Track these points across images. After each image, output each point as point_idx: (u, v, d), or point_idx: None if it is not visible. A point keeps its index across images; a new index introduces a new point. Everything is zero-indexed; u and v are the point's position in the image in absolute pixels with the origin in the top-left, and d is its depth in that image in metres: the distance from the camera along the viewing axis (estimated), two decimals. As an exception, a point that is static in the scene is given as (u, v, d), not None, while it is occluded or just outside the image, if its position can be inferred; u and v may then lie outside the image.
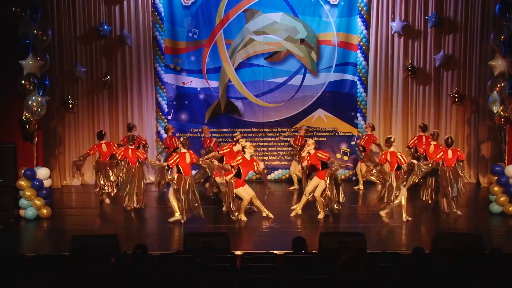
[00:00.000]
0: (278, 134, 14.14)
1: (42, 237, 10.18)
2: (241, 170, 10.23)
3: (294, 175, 13.26)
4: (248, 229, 10.17)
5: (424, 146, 11.39)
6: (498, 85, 11.53)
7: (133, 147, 11.23)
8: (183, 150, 10.28)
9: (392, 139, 10.45)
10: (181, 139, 10.59)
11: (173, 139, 12.82)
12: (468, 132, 13.91)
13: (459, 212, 10.62)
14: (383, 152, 10.83)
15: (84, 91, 13.83)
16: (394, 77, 14.01)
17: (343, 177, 14.05)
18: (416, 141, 11.87)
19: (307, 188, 10.75)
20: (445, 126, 13.88)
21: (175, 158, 10.18)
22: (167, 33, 14.07)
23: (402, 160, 10.18)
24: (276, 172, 14.23)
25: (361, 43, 14.01)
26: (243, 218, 10.34)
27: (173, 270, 6.30)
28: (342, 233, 9.14)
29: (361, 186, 13.14)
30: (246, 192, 10.34)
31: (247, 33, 14.07)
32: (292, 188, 13.18)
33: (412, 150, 11.98)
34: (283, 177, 14.24)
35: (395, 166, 10.23)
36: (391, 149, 10.37)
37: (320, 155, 10.51)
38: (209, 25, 14.06)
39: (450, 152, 10.54)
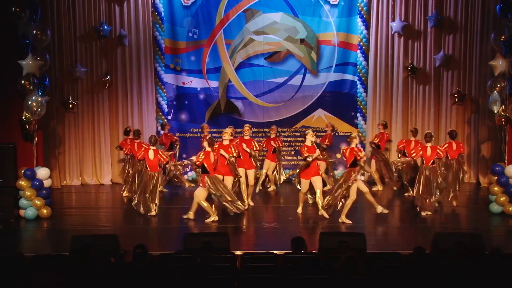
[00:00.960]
0: (278, 134, 14.09)
1: (42, 237, 10.17)
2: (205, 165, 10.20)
3: (271, 174, 12.91)
4: (248, 229, 10.17)
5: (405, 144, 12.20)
6: (498, 85, 11.53)
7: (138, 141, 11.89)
8: (152, 147, 10.72)
9: (432, 134, 10.84)
10: (152, 136, 11.13)
11: (168, 135, 13.18)
12: (468, 132, 13.91)
13: (454, 203, 11.17)
14: (420, 147, 10.95)
15: (84, 91, 13.82)
16: (394, 77, 14.01)
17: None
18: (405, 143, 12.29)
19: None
20: (445, 126, 13.87)
21: (141, 152, 10.81)
22: (167, 33, 14.07)
23: (441, 153, 10.60)
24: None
25: (361, 43, 14.02)
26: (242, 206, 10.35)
27: (173, 270, 6.30)
28: (342, 233, 9.16)
29: (381, 187, 13.05)
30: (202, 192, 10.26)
31: (247, 33, 14.08)
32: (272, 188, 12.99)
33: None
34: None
35: (431, 161, 10.48)
36: (429, 144, 10.60)
37: (355, 152, 10.16)
38: (209, 25, 14.07)
39: (454, 145, 11.24)
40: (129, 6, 13.78)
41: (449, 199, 11.21)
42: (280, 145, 12.83)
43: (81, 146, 13.92)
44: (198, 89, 14.30)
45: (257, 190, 12.53)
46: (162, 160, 10.69)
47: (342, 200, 10.13)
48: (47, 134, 12.90)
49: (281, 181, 13.04)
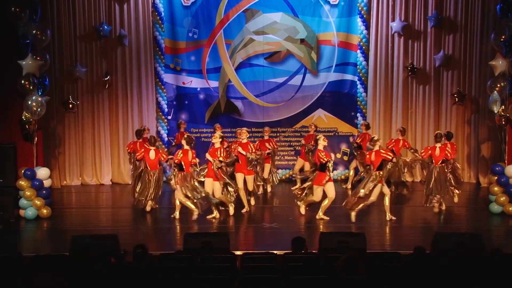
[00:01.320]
0: (278, 134, 14.14)
1: (42, 237, 10.17)
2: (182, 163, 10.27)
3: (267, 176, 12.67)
4: (248, 229, 10.17)
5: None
6: (498, 85, 11.52)
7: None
8: (150, 147, 10.83)
9: (442, 134, 11.02)
10: (149, 136, 11.33)
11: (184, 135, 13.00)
12: (468, 132, 13.91)
13: (456, 199, 11.23)
14: (429, 146, 11.11)
15: (84, 91, 13.82)
16: (394, 77, 14.01)
17: (342, 177, 14.08)
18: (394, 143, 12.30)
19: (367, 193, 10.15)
20: (445, 126, 13.87)
21: (140, 152, 10.93)
22: (167, 33, 14.08)
23: (449, 155, 10.67)
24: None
25: (361, 43, 14.02)
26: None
27: (173, 270, 6.30)
28: (342, 233, 9.12)
29: (349, 185, 13.11)
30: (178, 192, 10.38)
31: (247, 33, 14.08)
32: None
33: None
34: (283, 177, 14.21)
35: (440, 161, 10.60)
36: (438, 144, 10.72)
37: (383, 153, 10.09)
38: (209, 25, 14.07)
39: (449, 146, 11.18)
40: (129, 6, 13.78)
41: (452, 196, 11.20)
42: (275, 147, 12.68)
43: (81, 146, 13.92)
44: (198, 89, 14.30)
45: (259, 192, 12.42)
46: (162, 159, 10.79)
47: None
48: (47, 134, 12.90)
49: (276, 182, 12.88)
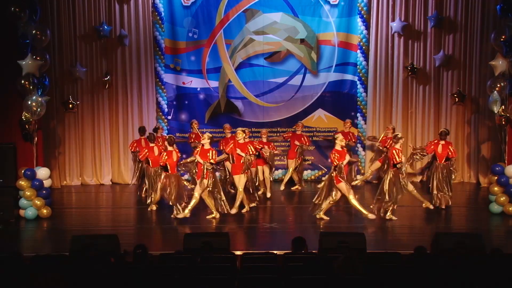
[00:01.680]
0: (278, 134, 14.12)
1: (42, 237, 10.17)
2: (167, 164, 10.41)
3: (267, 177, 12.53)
4: (248, 229, 10.17)
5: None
6: (498, 85, 11.52)
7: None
8: (151, 144, 11.10)
9: (447, 131, 11.21)
10: (148, 133, 11.57)
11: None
12: (468, 132, 13.91)
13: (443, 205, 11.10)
14: (432, 141, 11.32)
15: (84, 91, 13.82)
16: (394, 77, 14.00)
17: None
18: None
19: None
20: (445, 126, 13.83)
21: (144, 152, 11.10)
22: (167, 33, 14.07)
23: (450, 153, 10.87)
24: (276, 172, 14.14)
25: (361, 43, 14.01)
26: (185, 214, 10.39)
27: (173, 270, 6.30)
28: (342, 233, 9.13)
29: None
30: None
31: (247, 33, 14.08)
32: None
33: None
34: (283, 177, 14.19)
35: (444, 158, 10.84)
36: (442, 142, 10.91)
37: (395, 153, 10.08)
38: (209, 25, 14.07)
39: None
40: (129, 6, 13.78)
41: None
42: (274, 149, 12.54)
43: (81, 146, 13.92)
44: (198, 89, 14.30)
45: (268, 195, 12.26)
46: (163, 150, 10.97)
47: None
48: (47, 134, 12.90)
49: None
